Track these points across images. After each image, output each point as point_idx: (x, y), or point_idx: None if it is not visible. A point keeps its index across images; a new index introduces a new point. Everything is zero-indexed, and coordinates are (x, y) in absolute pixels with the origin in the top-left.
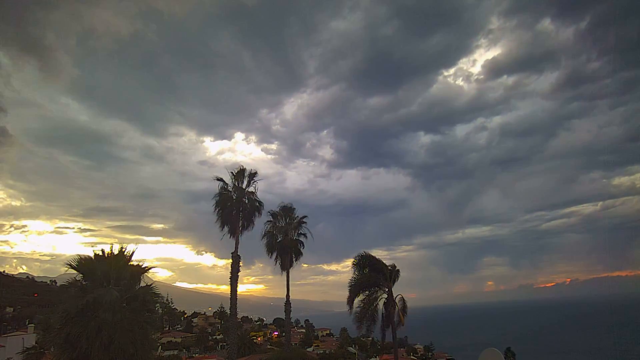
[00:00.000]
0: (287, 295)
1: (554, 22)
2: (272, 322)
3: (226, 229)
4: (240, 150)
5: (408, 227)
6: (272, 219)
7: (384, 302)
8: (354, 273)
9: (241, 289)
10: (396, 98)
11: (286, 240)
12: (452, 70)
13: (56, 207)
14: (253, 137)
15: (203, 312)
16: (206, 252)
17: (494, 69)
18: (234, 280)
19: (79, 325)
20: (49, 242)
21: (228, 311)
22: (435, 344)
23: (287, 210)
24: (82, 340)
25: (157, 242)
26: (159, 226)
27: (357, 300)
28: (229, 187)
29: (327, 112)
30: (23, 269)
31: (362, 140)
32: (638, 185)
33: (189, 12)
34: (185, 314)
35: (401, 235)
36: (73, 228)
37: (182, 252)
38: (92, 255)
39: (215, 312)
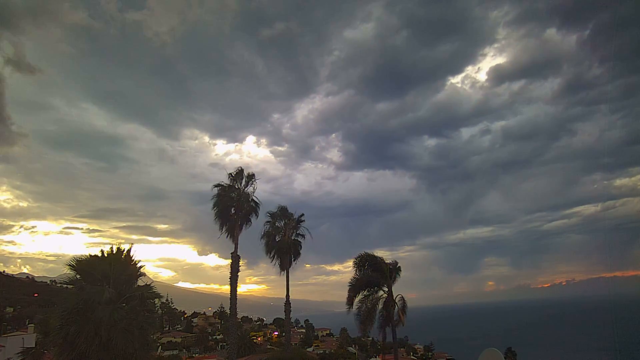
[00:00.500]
0: (287, 295)
1: (558, 32)
2: (272, 322)
3: (225, 229)
4: (251, 153)
5: (411, 228)
6: (270, 220)
7: (384, 301)
8: (355, 273)
9: (243, 289)
10: (404, 103)
11: (284, 240)
12: (458, 77)
13: (63, 207)
14: (264, 140)
15: (203, 312)
16: (211, 253)
17: (499, 76)
18: (233, 280)
19: (77, 325)
20: (56, 243)
21: (228, 311)
22: (436, 344)
23: (285, 211)
24: (80, 340)
25: (162, 242)
26: (165, 227)
27: (356, 300)
28: (227, 187)
29: (336, 116)
30: (27, 269)
31: (370, 143)
32: (639, 186)
33: (207, 22)
34: (185, 313)
35: (404, 236)
36: (81, 229)
37: (186, 252)
38: (92, 255)
39: (215, 312)
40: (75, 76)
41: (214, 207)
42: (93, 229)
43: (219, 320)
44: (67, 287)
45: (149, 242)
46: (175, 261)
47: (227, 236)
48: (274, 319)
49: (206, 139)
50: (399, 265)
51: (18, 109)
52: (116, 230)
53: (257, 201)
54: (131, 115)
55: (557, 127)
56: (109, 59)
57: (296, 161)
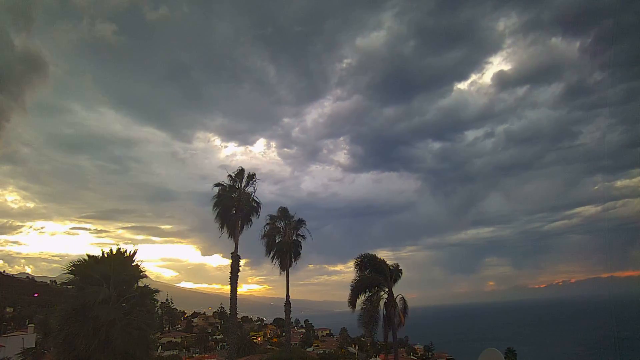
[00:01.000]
0: (287, 295)
1: (562, 40)
2: (272, 322)
3: (225, 229)
4: (260, 155)
5: (414, 229)
6: (270, 221)
7: (385, 302)
8: (356, 273)
9: (244, 289)
10: (410, 108)
11: (284, 241)
12: (465, 84)
13: (70, 208)
14: (273, 143)
15: (203, 312)
16: (215, 253)
17: (504, 82)
18: (233, 280)
19: (76, 325)
20: (62, 243)
21: (228, 311)
22: (435, 344)
23: (285, 212)
24: (79, 340)
25: (166, 242)
26: (171, 227)
27: (359, 301)
28: (228, 188)
29: (344, 120)
30: (30, 269)
31: (376, 145)
32: (639, 187)
33: (220, 30)
34: (185, 313)
35: (407, 237)
36: (87, 229)
37: (189, 252)
38: (91, 256)
39: (215, 312)
40: (96, 81)
41: (214, 207)
42: (100, 230)
43: (219, 320)
44: (67, 287)
45: (153, 242)
46: (178, 261)
47: (228, 236)
48: (274, 319)
49: (218, 141)
50: (400, 267)
51: (36, 111)
52: (122, 231)
53: (258, 201)
54: (147, 120)
55: (559, 131)
56: (128, 65)
57: (304, 163)
